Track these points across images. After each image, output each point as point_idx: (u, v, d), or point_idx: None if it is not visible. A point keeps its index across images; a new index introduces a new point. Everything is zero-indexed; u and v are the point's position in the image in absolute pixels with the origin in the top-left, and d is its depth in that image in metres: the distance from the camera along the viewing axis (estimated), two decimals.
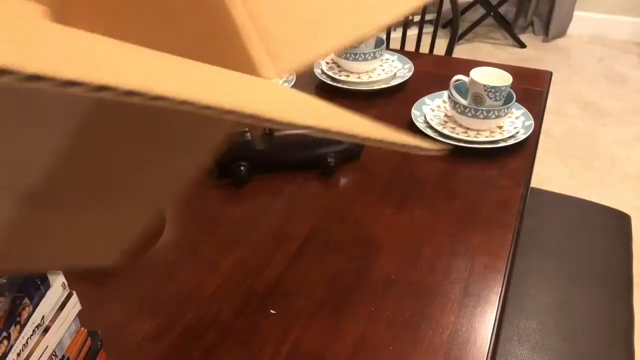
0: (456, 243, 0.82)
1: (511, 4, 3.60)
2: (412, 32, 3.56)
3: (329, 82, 1.23)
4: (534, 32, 3.52)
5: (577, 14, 3.45)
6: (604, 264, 1.19)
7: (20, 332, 0.51)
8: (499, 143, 1.01)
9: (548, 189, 1.40)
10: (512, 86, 1.25)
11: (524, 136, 1.02)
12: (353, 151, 0.99)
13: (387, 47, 1.59)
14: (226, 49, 0.32)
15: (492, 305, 0.72)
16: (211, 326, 0.70)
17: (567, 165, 2.30)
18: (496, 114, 1.00)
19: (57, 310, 0.57)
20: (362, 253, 0.80)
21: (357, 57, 1.21)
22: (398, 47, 1.66)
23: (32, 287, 0.53)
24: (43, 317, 0.55)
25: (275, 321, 0.70)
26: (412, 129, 1.10)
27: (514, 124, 1.06)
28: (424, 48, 3.25)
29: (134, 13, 0.30)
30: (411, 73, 1.26)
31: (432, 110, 1.11)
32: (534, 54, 3.27)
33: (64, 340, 0.59)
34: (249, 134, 0.94)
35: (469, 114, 1.02)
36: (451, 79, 1.08)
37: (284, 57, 0.33)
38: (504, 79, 1.03)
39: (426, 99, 1.14)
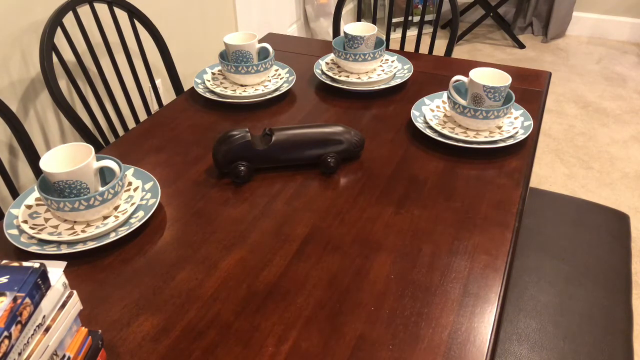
0: (455, 243, 0.82)
1: (510, 4, 3.60)
2: (412, 32, 3.56)
3: (328, 82, 1.24)
4: (533, 33, 3.53)
5: (576, 14, 3.46)
6: (602, 263, 1.19)
7: (21, 331, 0.52)
8: (498, 143, 1.01)
9: (547, 189, 1.40)
10: (512, 86, 1.25)
11: (523, 136, 1.02)
12: (353, 151, 0.99)
13: (387, 48, 1.59)
14: None
15: (492, 305, 0.72)
16: (211, 326, 0.70)
17: (566, 165, 2.31)
18: (495, 114, 1.00)
19: (58, 310, 0.57)
20: (361, 253, 0.80)
21: (357, 57, 1.21)
22: (398, 47, 1.67)
23: (33, 287, 0.53)
24: (44, 316, 0.55)
25: (275, 321, 0.70)
26: (412, 129, 1.10)
27: (513, 124, 1.06)
28: (424, 48, 3.26)
29: None
30: (411, 73, 1.26)
31: (431, 110, 1.11)
32: (533, 54, 3.27)
33: (65, 340, 0.59)
34: (249, 134, 0.95)
35: (469, 114, 1.02)
36: (450, 79, 1.08)
37: None
38: (503, 80, 1.03)
39: (425, 99, 1.15)
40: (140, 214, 0.86)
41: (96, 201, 0.81)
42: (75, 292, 0.60)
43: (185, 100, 1.24)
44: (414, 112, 1.10)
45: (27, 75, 1.45)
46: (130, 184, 0.92)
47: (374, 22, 1.73)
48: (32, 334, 0.54)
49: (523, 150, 1.02)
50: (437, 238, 0.83)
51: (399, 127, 1.11)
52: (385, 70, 1.27)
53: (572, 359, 0.99)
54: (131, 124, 1.85)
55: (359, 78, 1.24)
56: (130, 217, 0.86)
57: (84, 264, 0.80)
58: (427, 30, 3.59)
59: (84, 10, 1.56)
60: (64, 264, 0.59)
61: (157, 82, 1.95)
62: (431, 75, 1.31)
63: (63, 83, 1.55)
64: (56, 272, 0.58)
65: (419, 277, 0.76)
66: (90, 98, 1.65)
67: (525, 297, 1.11)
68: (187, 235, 0.85)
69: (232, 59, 1.22)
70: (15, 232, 0.83)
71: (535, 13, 3.47)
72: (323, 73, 1.29)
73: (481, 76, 1.05)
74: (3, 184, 1.43)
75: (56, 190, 0.82)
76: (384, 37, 2.23)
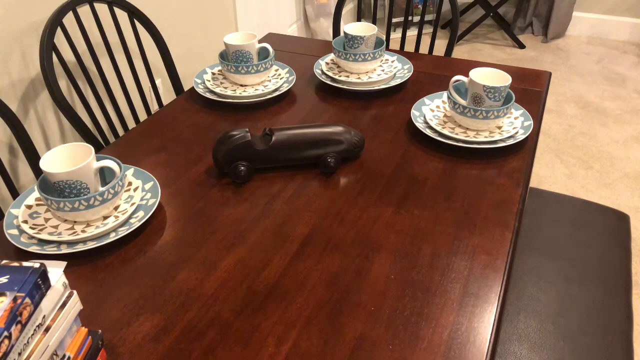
0: (455, 242, 0.82)
1: (510, 4, 3.60)
2: (412, 32, 3.56)
3: (329, 82, 1.24)
4: (533, 33, 3.53)
5: (576, 14, 3.46)
6: (602, 263, 1.19)
7: (21, 331, 0.52)
8: (498, 143, 1.01)
9: (547, 189, 1.40)
10: (512, 86, 1.25)
11: (523, 136, 1.02)
12: (353, 151, 0.99)
13: (387, 48, 1.59)
14: None
15: (492, 305, 0.72)
16: (211, 326, 0.70)
17: (566, 165, 2.31)
18: (495, 114, 1.00)
19: (58, 310, 0.57)
20: (361, 253, 0.80)
21: (357, 57, 1.21)
22: (398, 47, 1.67)
23: (33, 287, 0.53)
24: (44, 316, 0.55)
25: (275, 321, 0.70)
26: (412, 129, 1.10)
27: (513, 124, 1.06)
28: (424, 49, 3.26)
29: None
30: (411, 73, 1.26)
31: (431, 110, 1.11)
32: (533, 54, 3.27)
33: (65, 340, 0.59)
34: (249, 134, 0.95)
35: (469, 114, 1.02)
36: (450, 79, 1.08)
37: None
38: (503, 80, 1.03)
39: (425, 99, 1.15)
40: (140, 214, 0.86)
41: (96, 201, 0.81)
42: (75, 292, 0.60)
43: (185, 100, 1.24)
44: (414, 112, 1.10)
45: (27, 75, 1.45)
46: (130, 184, 0.92)
47: (374, 22, 1.73)
48: (32, 334, 0.54)
49: (523, 150, 1.02)
50: (437, 238, 0.83)
51: (399, 127, 1.11)
52: (385, 70, 1.27)
53: (572, 359, 0.99)
54: (131, 124, 1.85)
55: (359, 78, 1.24)
56: (130, 217, 0.86)
57: (84, 264, 0.80)
58: (427, 30, 3.59)
59: (84, 10, 1.56)
60: (64, 264, 0.59)
61: (157, 82, 1.95)
62: (431, 75, 1.31)
63: (63, 83, 1.55)
64: (56, 272, 0.58)
65: (419, 277, 0.76)
66: (90, 98, 1.65)
67: (525, 297, 1.11)
68: (187, 235, 0.85)
69: (232, 59, 1.22)
70: (15, 232, 0.83)
71: (535, 13, 3.47)
72: (323, 73, 1.29)
73: (481, 76, 1.05)
74: (3, 184, 1.43)
75: (56, 190, 0.82)
76: (384, 37, 2.23)
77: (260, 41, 1.48)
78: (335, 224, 0.86)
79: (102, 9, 1.63)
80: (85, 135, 1.33)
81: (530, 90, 1.23)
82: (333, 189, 0.94)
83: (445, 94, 1.15)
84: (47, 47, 1.28)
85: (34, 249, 0.80)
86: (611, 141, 2.46)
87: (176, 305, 0.73)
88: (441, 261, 0.79)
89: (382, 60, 1.28)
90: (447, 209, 0.88)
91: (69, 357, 0.59)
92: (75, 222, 0.84)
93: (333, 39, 1.41)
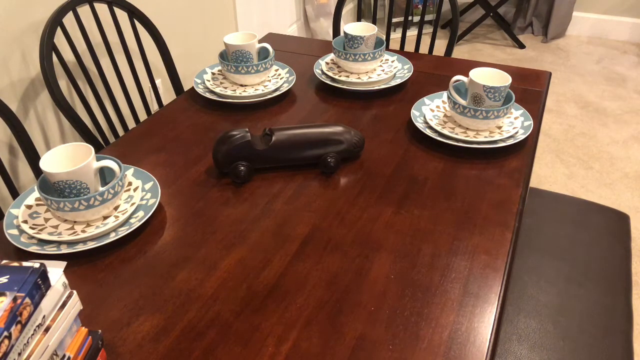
0: (455, 243, 0.82)
1: (510, 4, 3.60)
2: (412, 32, 3.56)
3: (328, 82, 1.24)
4: (533, 33, 3.53)
5: (576, 14, 3.46)
6: (602, 263, 1.19)
7: (21, 331, 0.52)
8: (498, 143, 1.01)
9: (547, 189, 1.40)
10: (512, 86, 1.25)
11: (523, 136, 1.02)
12: (353, 151, 0.99)
13: (387, 48, 1.59)
14: None
15: (492, 305, 0.72)
16: (211, 326, 0.70)
17: (566, 165, 2.31)
18: (495, 114, 1.00)
19: (58, 310, 0.57)
20: (361, 253, 0.80)
21: (357, 57, 1.21)
22: (398, 47, 1.67)
23: (33, 287, 0.53)
24: (44, 316, 0.55)
25: (275, 321, 0.70)
26: (412, 129, 1.10)
27: (513, 124, 1.06)
28: (424, 48, 3.26)
29: None
30: (411, 73, 1.26)
31: (431, 110, 1.11)
32: (533, 54, 3.27)
33: (65, 340, 0.59)
34: (249, 134, 0.95)
35: (469, 114, 1.02)
36: (450, 79, 1.08)
37: None
38: (503, 80, 1.03)
39: (425, 99, 1.15)
40: (140, 214, 0.86)
41: (96, 201, 0.81)
42: (75, 292, 0.60)
43: (185, 100, 1.24)
44: (414, 112, 1.10)
45: (27, 75, 1.45)
46: (130, 184, 0.92)
47: (374, 22, 1.73)
48: (32, 334, 0.54)
49: (523, 150, 1.02)
50: (437, 238, 0.83)
51: (399, 127, 1.11)
52: (385, 70, 1.27)
53: (572, 359, 0.99)
54: (131, 124, 1.85)
55: (359, 78, 1.24)
56: (130, 217, 0.86)
57: (84, 264, 0.80)
58: (427, 30, 3.59)
59: (84, 10, 1.56)
60: (64, 264, 0.59)
61: (157, 82, 1.95)
62: (431, 75, 1.31)
63: (63, 83, 1.55)
64: (56, 272, 0.58)
65: (419, 277, 0.76)
66: (90, 98, 1.65)
67: (525, 297, 1.11)
68: (187, 235, 0.85)
69: (232, 59, 1.22)
70: (15, 232, 0.83)
71: (535, 13, 3.47)
72: (323, 73, 1.29)
73: (481, 76, 1.05)
74: (3, 184, 1.43)
75: (56, 190, 0.82)
76: (384, 37, 2.23)
77: (260, 41, 1.48)
78: (335, 224, 0.86)
79: (102, 9, 1.63)
80: (85, 135, 1.33)
81: (530, 90, 1.23)
82: (333, 189, 0.94)
83: (445, 94, 1.15)
84: (47, 47, 1.28)
85: (34, 249, 0.80)
86: (611, 141, 2.45)
87: (176, 305, 0.73)
88: (441, 261, 0.79)
89: (382, 60, 1.28)
90: (447, 209, 0.88)
91: (69, 357, 0.59)
92: (75, 222, 0.84)
93: (333, 39, 1.41)
